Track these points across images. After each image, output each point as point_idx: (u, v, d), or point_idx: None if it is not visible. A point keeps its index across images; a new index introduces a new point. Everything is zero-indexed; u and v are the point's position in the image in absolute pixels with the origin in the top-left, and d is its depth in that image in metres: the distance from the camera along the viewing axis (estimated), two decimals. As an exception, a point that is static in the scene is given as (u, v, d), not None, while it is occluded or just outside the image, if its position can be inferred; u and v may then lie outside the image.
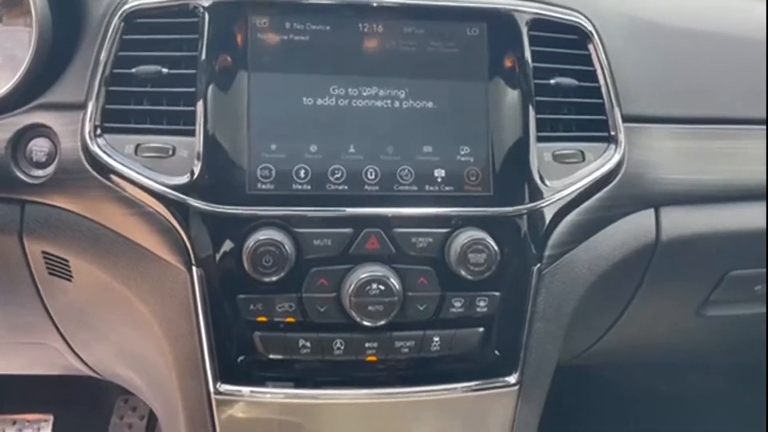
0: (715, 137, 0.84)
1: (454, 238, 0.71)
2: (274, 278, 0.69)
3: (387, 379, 0.74)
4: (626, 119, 0.79)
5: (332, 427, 0.75)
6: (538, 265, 0.74)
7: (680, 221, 0.83)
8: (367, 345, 0.72)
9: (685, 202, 0.83)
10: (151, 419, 1.45)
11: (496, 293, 0.73)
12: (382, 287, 0.69)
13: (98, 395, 1.47)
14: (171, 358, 0.74)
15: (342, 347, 0.72)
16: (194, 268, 0.70)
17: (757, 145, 0.85)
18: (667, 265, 0.86)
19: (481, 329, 0.74)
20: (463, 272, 0.70)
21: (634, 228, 0.82)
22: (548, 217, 0.74)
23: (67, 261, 0.76)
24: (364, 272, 0.70)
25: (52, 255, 0.76)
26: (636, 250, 0.82)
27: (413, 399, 0.74)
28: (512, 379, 0.76)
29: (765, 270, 0.91)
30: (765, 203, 0.85)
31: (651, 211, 0.83)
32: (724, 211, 0.85)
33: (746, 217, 0.84)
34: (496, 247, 0.70)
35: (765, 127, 0.85)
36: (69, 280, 0.78)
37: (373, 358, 0.73)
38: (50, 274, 0.78)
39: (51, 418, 1.39)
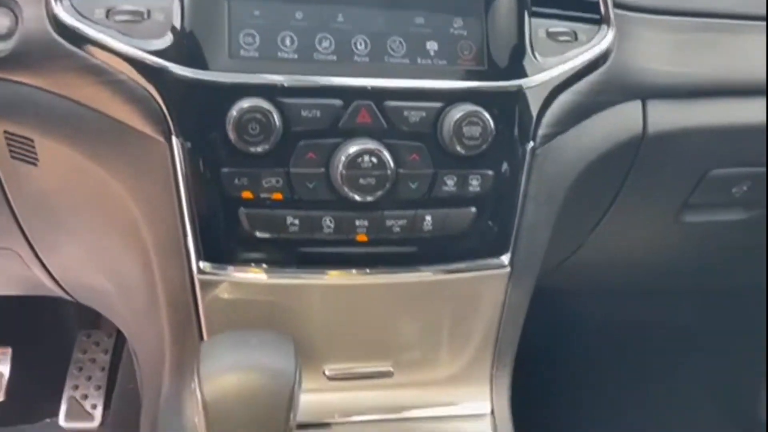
0: (708, 30, 0.84)
1: (448, 113, 0.69)
2: (260, 149, 0.65)
3: (378, 260, 0.72)
4: (617, 5, 0.79)
5: (320, 309, 0.72)
6: (532, 143, 0.73)
7: (668, 115, 0.83)
8: (357, 223, 0.70)
9: (673, 95, 0.83)
10: (115, 354, 1.40)
11: (489, 172, 0.71)
12: (374, 160, 0.67)
13: (60, 330, 1.41)
14: (151, 239, 0.70)
15: (332, 225, 0.69)
16: (174, 139, 0.66)
17: (750, 40, 0.85)
18: (652, 160, 0.86)
19: (473, 209, 0.72)
20: (457, 147, 0.68)
21: (622, 120, 0.81)
22: (543, 94, 0.72)
23: (32, 141, 0.71)
24: (355, 145, 0.67)
25: (15, 135, 0.71)
26: (623, 142, 0.82)
27: (403, 280, 0.72)
28: (505, 259, 0.74)
29: (744, 170, 0.92)
30: (754, 99, 0.85)
31: (638, 103, 0.82)
32: (711, 106, 0.84)
33: (733, 112, 0.84)
34: (491, 121, 0.68)
35: (765, 22, 0.84)
36: (34, 164, 0.73)
37: (364, 238, 0.70)
38: (13, 157, 0.73)
39: (9, 351, 1.33)
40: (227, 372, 0.54)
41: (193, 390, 0.55)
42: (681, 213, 0.99)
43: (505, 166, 0.72)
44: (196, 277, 0.69)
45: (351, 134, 0.68)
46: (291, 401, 0.54)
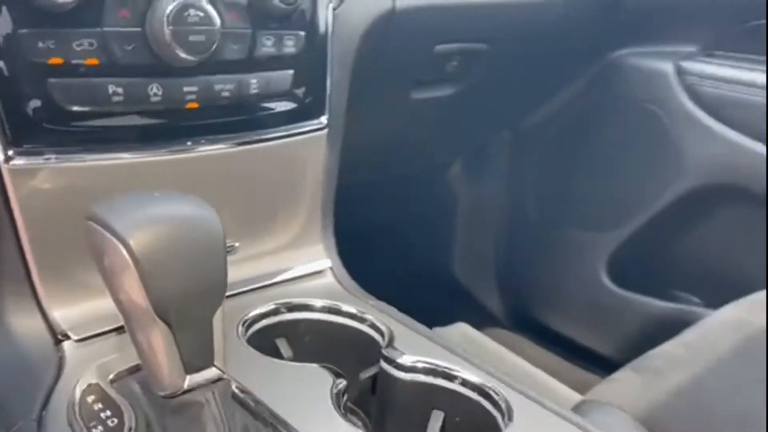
0: None
1: None
2: (64, 2, 0.55)
3: (209, 130, 0.68)
4: None
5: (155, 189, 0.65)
6: (332, 4, 0.76)
7: None
8: (186, 89, 0.64)
9: None
10: None
11: (302, 32, 0.73)
12: (200, 14, 0.62)
13: None
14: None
15: (160, 92, 0.63)
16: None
17: None
18: (396, 38, 0.97)
19: (291, 71, 0.73)
20: (275, 2, 0.68)
21: None
22: None
23: None
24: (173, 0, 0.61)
25: None
26: (380, 15, 0.91)
27: (235, 149, 0.70)
28: (324, 120, 0.77)
29: (459, 45, 1.11)
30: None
31: None
32: None
33: None
34: None
35: None
36: None
37: (194, 105, 0.66)
38: None
39: None
40: (153, 224, 0.46)
41: (103, 261, 0.46)
42: (411, 91, 1.14)
43: (314, 26, 0.74)
44: (3, 167, 0.56)
45: None
46: (225, 247, 0.49)
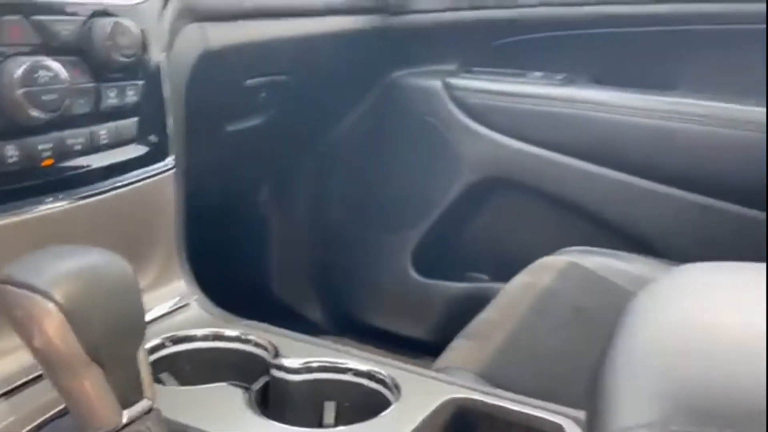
0: None
1: (96, 24, 0.71)
2: None
3: (65, 184, 0.69)
4: None
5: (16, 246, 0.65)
6: (165, 53, 0.81)
7: (221, 34, 1.02)
8: (41, 147, 0.66)
9: (224, 18, 1.02)
10: None
11: (141, 81, 0.77)
12: (50, 73, 0.64)
13: None
14: None
15: (17, 154, 0.63)
16: None
17: None
18: (213, 74, 1.04)
19: (136, 118, 0.77)
20: (114, 56, 0.71)
21: (194, 38, 0.97)
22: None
23: None
24: (20, 62, 0.63)
25: None
26: (195, 59, 0.97)
27: (90, 200, 0.72)
28: (170, 161, 0.82)
29: (267, 79, 1.20)
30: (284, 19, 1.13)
31: (200, 25, 0.98)
32: (254, 26, 1.08)
33: (267, 30, 1.09)
34: (137, 31, 0.74)
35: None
36: None
37: (50, 161, 0.67)
38: None
39: None
40: (70, 275, 0.48)
41: (23, 317, 0.46)
42: (225, 124, 1.21)
43: (151, 74, 0.79)
44: None
45: (7, 53, 0.63)
46: (138, 286, 0.52)
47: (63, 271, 0.49)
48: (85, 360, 0.49)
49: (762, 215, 1.23)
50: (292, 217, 1.75)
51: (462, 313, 1.13)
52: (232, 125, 1.23)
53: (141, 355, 0.53)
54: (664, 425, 0.33)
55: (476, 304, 1.12)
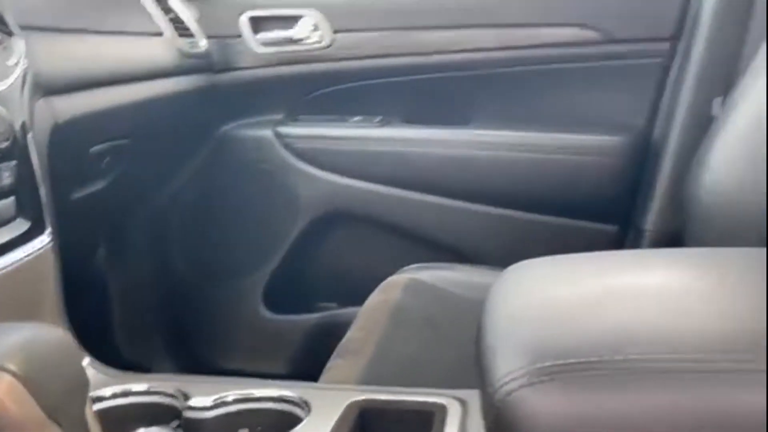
0: None
1: None
2: None
3: None
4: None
5: None
6: (31, 133, 0.84)
7: (66, 105, 1.05)
8: None
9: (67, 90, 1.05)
10: None
11: (14, 162, 0.80)
12: None
13: None
14: None
15: None
16: None
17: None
18: (61, 144, 1.06)
19: (13, 197, 0.79)
20: None
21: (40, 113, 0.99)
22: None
23: None
24: None
25: None
26: (47, 132, 1.00)
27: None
28: (47, 235, 0.84)
29: (110, 144, 1.23)
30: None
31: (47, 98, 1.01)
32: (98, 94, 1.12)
33: (110, 97, 1.14)
34: (8, 116, 0.78)
35: None
36: None
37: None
38: None
39: None
40: (19, 347, 0.51)
41: None
42: (71, 192, 1.21)
43: (22, 153, 0.81)
44: None
45: None
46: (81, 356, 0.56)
47: (11, 344, 0.54)
48: (45, 423, 0.54)
49: (547, 219, 1.52)
50: (134, 276, 1.74)
51: (315, 342, 1.24)
52: (77, 192, 1.23)
53: (89, 412, 0.58)
54: (532, 364, 0.49)
55: (328, 331, 1.23)
